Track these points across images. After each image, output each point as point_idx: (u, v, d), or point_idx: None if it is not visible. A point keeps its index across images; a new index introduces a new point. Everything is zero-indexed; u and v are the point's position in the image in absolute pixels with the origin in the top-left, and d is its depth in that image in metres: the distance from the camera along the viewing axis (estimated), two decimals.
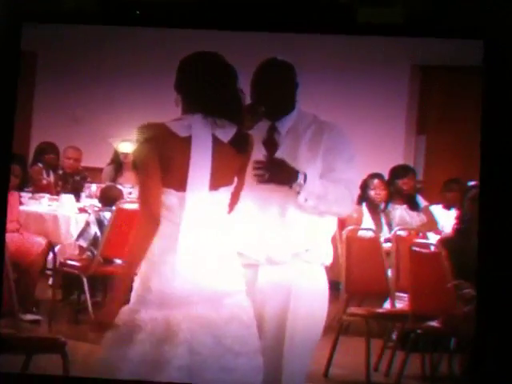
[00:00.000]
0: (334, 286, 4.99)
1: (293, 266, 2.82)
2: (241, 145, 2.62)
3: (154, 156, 2.56)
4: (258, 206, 2.78)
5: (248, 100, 2.75)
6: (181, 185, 2.56)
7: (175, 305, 2.53)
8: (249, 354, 2.58)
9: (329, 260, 2.90)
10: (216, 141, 2.60)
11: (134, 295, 2.61)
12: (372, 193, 5.54)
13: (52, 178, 6.33)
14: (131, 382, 2.54)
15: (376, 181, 5.59)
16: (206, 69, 2.61)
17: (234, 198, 2.70)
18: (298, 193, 2.77)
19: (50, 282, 5.51)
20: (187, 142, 2.57)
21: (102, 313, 2.66)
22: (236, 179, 2.66)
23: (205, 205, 2.58)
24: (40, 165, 6.27)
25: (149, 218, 2.57)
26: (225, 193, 2.63)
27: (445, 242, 4.35)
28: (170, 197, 2.58)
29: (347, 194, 2.83)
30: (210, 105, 2.59)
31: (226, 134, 2.60)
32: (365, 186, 5.56)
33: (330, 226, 2.90)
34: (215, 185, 2.59)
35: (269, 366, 2.71)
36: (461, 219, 4.41)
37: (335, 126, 2.88)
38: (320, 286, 2.87)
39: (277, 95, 2.83)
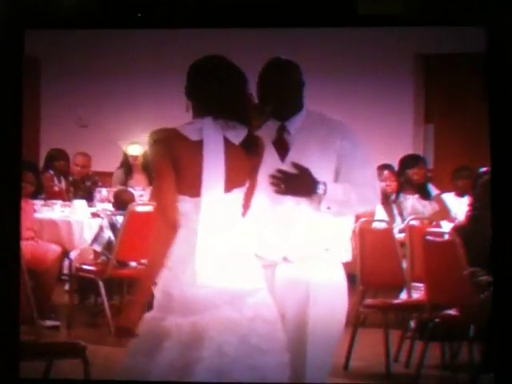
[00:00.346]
0: (349, 279, 5.01)
1: (309, 264, 2.81)
2: (252, 147, 2.62)
3: (168, 159, 2.56)
4: (271, 205, 2.77)
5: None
6: (195, 190, 2.56)
7: (199, 310, 2.54)
8: (275, 351, 2.59)
9: (348, 257, 2.89)
10: (227, 143, 2.60)
11: (156, 303, 2.62)
12: (383, 184, 5.53)
13: (63, 184, 6.35)
14: (152, 383, 2.55)
15: (386, 172, 5.59)
16: (215, 73, 2.62)
17: (247, 201, 2.69)
18: (319, 203, 2.76)
19: (67, 287, 5.54)
20: (199, 145, 2.57)
21: (122, 318, 2.67)
22: (248, 181, 2.66)
23: (220, 207, 2.58)
24: (51, 172, 6.30)
25: (165, 222, 2.59)
26: (238, 193, 2.63)
27: (458, 229, 4.34)
28: (185, 203, 2.58)
29: (371, 191, 2.82)
30: (220, 108, 2.59)
31: (237, 136, 2.60)
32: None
33: (349, 223, 2.90)
34: (229, 187, 2.59)
35: (293, 363, 2.70)
36: (473, 206, 4.40)
37: (346, 125, 2.88)
38: (339, 282, 2.86)
39: (284, 95, 2.83)
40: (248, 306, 2.57)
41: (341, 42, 6.66)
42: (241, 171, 2.62)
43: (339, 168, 2.81)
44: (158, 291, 2.62)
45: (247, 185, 2.66)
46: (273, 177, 2.75)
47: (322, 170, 2.78)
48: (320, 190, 2.75)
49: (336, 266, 2.87)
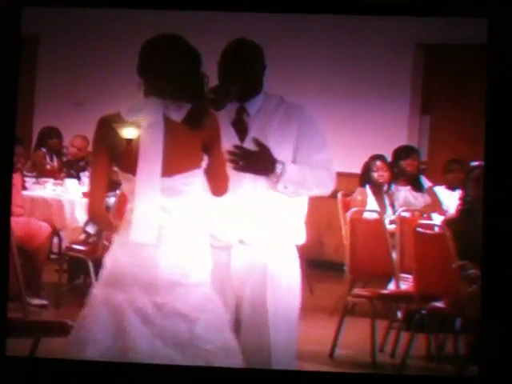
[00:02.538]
0: (338, 268, 5.03)
1: (265, 246, 2.83)
2: (195, 120, 2.55)
3: (101, 148, 2.59)
4: (230, 187, 2.75)
5: (213, 82, 2.72)
6: (134, 169, 2.56)
7: (117, 285, 2.58)
8: (182, 347, 2.56)
9: (302, 240, 2.90)
10: (169, 123, 2.56)
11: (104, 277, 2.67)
12: (375, 174, 5.53)
13: (56, 162, 6.33)
14: (138, 366, 2.57)
15: (378, 162, 5.58)
16: (167, 52, 2.58)
17: (218, 177, 2.65)
18: (277, 182, 2.77)
19: (56, 266, 5.53)
20: (137, 126, 2.56)
21: None
22: (207, 159, 2.61)
23: (157, 191, 2.55)
24: (43, 150, 6.27)
25: (90, 211, 2.69)
26: (182, 179, 2.57)
27: (449, 222, 4.35)
28: (128, 182, 2.60)
29: (326, 175, 2.84)
30: (165, 88, 2.56)
31: (180, 113, 2.56)
32: (367, 168, 5.55)
33: (302, 206, 2.91)
34: (169, 171, 2.56)
35: (256, 346, 2.74)
36: (464, 200, 4.41)
37: (305, 108, 2.88)
38: (293, 265, 2.88)
39: (246, 76, 2.81)
40: (161, 295, 2.56)
41: (340, 29, 6.63)
42: (186, 154, 2.57)
43: (296, 151, 2.82)
44: (103, 266, 2.66)
45: (205, 164, 2.61)
46: (231, 153, 2.73)
47: (279, 152, 2.79)
48: (278, 168, 2.76)
49: (291, 249, 2.88)
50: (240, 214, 2.79)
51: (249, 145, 2.79)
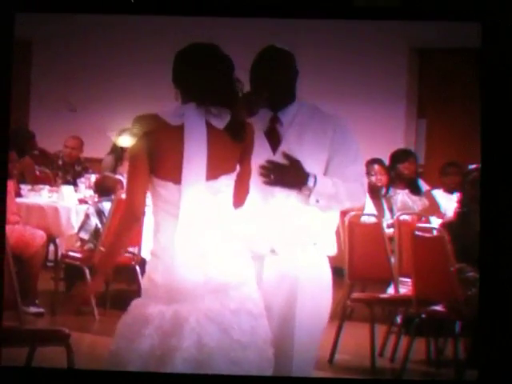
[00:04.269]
0: (337, 272, 5.01)
1: (297, 257, 2.80)
2: (237, 131, 2.57)
3: (143, 149, 2.54)
4: (262, 197, 2.75)
5: (247, 89, 2.72)
6: (177, 176, 2.53)
7: (181, 298, 2.53)
8: (257, 346, 2.57)
9: (334, 251, 2.89)
10: (211, 128, 2.56)
11: (143, 290, 2.61)
12: (373, 178, 5.52)
13: (28, 160, 6.17)
14: (135, 374, 2.54)
15: (376, 166, 5.57)
16: (200, 60, 2.60)
17: (241, 188, 2.65)
18: (308, 195, 2.75)
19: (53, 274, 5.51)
20: (180, 130, 2.54)
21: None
22: (238, 167, 2.62)
23: (203, 195, 2.54)
24: (28, 158, 6.20)
25: (128, 211, 2.58)
26: (225, 181, 2.59)
27: (447, 225, 4.34)
28: (168, 190, 2.56)
29: (359, 188, 2.82)
30: (204, 94, 2.57)
31: (221, 120, 2.57)
32: (367, 172, 5.53)
33: (335, 217, 2.89)
34: (214, 174, 2.56)
35: (279, 356, 2.70)
36: (462, 203, 4.40)
37: (339, 119, 2.85)
38: (325, 277, 2.86)
39: (278, 84, 2.79)
40: (231, 298, 2.55)
41: (335, 33, 6.63)
42: (227, 157, 2.58)
43: (330, 162, 2.80)
44: (144, 278, 2.61)
45: (237, 171, 2.62)
46: (263, 167, 2.73)
47: (312, 163, 2.76)
48: (310, 182, 2.74)
49: (322, 260, 2.86)
50: (272, 224, 2.76)
51: (281, 155, 2.76)
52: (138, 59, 6.74)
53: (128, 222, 2.58)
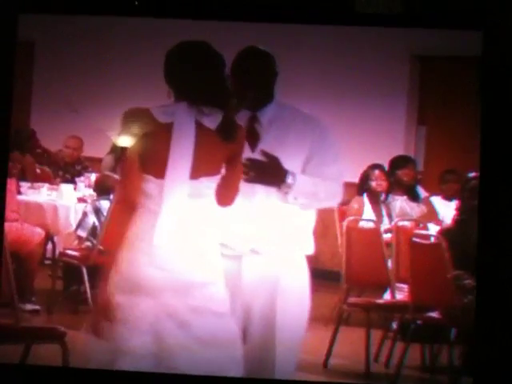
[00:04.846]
0: (334, 277, 5.01)
1: (276, 256, 2.82)
2: (228, 132, 2.58)
3: (133, 142, 2.55)
4: (242, 197, 2.75)
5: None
6: (160, 172, 2.54)
7: (143, 291, 2.53)
8: (221, 346, 2.56)
9: (311, 250, 2.90)
10: (201, 128, 2.57)
11: (110, 281, 2.61)
12: (373, 184, 5.52)
13: (29, 158, 6.20)
14: (130, 373, 2.54)
15: (377, 171, 5.57)
16: (191, 58, 2.60)
17: (231, 188, 2.66)
18: (287, 192, 2.77)
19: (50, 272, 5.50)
20: (169, 128, 2.55)
21: (99, 304, 2.66)
22: (224, 169, 2.63)
23: (184, 194, 2.55)
24: (29, 156, 6.23)
25: (122, 202, 2.61)
26: (206, 182, 2.59)
27: (445, 232, 4.34)
28: (149, 184, 2.57)
29: (337, 189, 2.85)
30: (196, 93, 2.57)
31: (213, 121, 2.57)
32: (365, 177, 5.54)
33: (310, 216, 2.90)
34: (196, 174, 2.56)
35: (262, 356, 2.73)
36: (460, 210, 4.40)
37: (319, 121, 2.87)
38: (304, 276, 2.88)
39: (259, 84, 2.81)
40: (193, 296, 2.55)
41: (336, 39, 6.64)
42: (214, 158, 2.59)
43: (308, 162, 2.82)
44: (113, 270, 2.61)
45: (223, 172, 2.63)
46: (242, 165, 2.73)
47: (291, 163, 2.78)
48: (289, 179, 2.76)
49: (302, 259, 2.88)
50: (252, 224, 2.78)
51: (260, 156, 2.78)
52: (139, 61, 6.75)
53: (122, 213, 2.61)
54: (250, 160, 2.74)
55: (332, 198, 2.87)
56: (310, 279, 2.90)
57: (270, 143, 2.80)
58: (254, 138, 2.81)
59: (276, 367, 2.78)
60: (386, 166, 5.75)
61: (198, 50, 2.60)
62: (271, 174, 2.75)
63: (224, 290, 2.63)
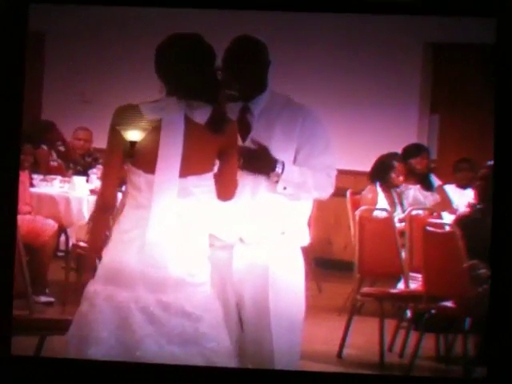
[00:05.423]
0: (347, 267, 5.00)
1: (265, 246, 2.81)
2: (218, 125, 2.56)
3: (119, 141, 2.57)
4: None
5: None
6: (149, 167, 2.55)
7: (119, 282, 2.55)
8: (186, 345, 2.55)
9: (305, 242, 2.89)
10: (190, 123, 2.56)
11: (97, 273, 2.64)
12: (393, 175, 5.45)
13: (54, 156, 6.28)
14: (147, 365, 2.55)
15: (397, 164, 5.50)
16: (180, 52, 2.58)
17: (228, 182, 2.66)
18: (276, 182, 2.76)
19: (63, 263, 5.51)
20: (158, 124, 2.55)
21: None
22: (219, 164, 2.62)
23: (174, 192, 2.55)
24: (44, 147, 6.25)
25: (99, 200, 2.64)
26: (194, 181, 2.58)
27: (461, 221, 4.30)
28: (138, 178, 2.57)
29: (326, 180, 2.83)
30: (185, 88, 2.56)
31: (203, 115, 2.56)
32: (384, 167, 5.46)
33: (306, 207, 2.89)
34: (185, 172, 2.56)
35: (258, 346, 2.73)
36: (478, 199, 4.36)
37: (311, 110, 2.85)
38: (297, 266, 2.86)
39: (251, 74, 2.78)
40: (167, 294, 2.55)
41: (349, 28, 6.60)
42: (204, 155, 2.58)
43: (298, 152, 2.80)
44: (101, 262, 2.62)
45: (219, 167, 2.62)
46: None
47: (281, 153, 2.77)
48: (278, 168, 2.75)
49: (294, 249, 2.86)
50: (241, 214, 2.77)
51: (250, 145, 2.77)
52: (149, 52, 6.74)
53: (98, 211, 2.64)
54: (240, 148, 2.73)
55: (321, 189, 2.84)
56: (306, 269, 2.88)
57: (259, 133, 2.78)
58: (244, 129, 2.79)
59: (276, 357, 2.77)
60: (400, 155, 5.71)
61: (187, 44, 2.59)
62: (261, 162, 2.74)
63: (204, 290, 2.62)
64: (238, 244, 2.80)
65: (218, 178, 2.64)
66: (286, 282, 2.81)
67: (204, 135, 2.56)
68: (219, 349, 2.57)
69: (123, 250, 2.57)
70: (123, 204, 2.65)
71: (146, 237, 2.54)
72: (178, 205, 2.56)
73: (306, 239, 2.89)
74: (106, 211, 2.62)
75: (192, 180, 2.57)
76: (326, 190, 2.86)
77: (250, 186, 2.77)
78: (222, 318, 2.63)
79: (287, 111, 2.82)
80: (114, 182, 2.61)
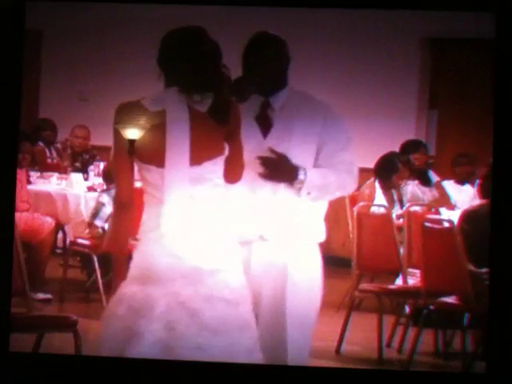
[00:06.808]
0: (345, 263, 4.99)
1: (285, 243, 2.81)
2: (221, 113, 2.56)
3: (123, 139, 2.57)
4: (250, 184, 2.75)
5: (236, 74, 2.72)
6: (160, 161, 2.54)
7: (154, 280, 2.53)
8: (230, 333, 2.54)
9: (322, 238, 2.89)
10: (193, 112, 2.56)
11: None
12: (395, 178, 5.38)
13: (54, 154, 6.30)
14: (144, 361, 2.54)
15: (402, 167, 5.44)
16: (186, 45, 2.58)
17: (235, 164, 2.65)
18: (300, 188, 2.76)
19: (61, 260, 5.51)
20: (162, 116, 2.54)
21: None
22: (227, 147, 2.61)
23: (187, 181, 2.54)
24: (41, 144, 6.25)
25: (117, 201, 2.62)
26: (209, 167, 2.57)
27: (468, 214, 4.27)
28: (151, 173, 2.57)
29: (348, 178, 2.84)
30: (187, 80, 2.56)
31: (204, 105, 2.56)
32: (389, 168, 5.40)
33: (323, 204, 2.89)
34: (197, 160, 2.55)
35: (273, 343, 2.72)
36: (480, 197, 4.35)
37: (330, 106, 2.86)
38: (315, 264, 2.87)
39: (271, 69, 2.80)
40: (205, 284, 2.54)
41: (347, 23, 6.59)
42: (210, 142, 2.57)
43: (320, 149, 2.81)
44: (133, 264, 2.62)
45: (225, 153, 2.61)
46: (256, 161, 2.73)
47: (302, 149, 2.78)
48: (301, 175, 2.76)
49: (312, 247, 2.87)
50: (261, 211, 2.78)
51: (272, 140, 2.77)
52: (149, 49, 6.73)
53: (117, 210, 2.63)
54: (261, 158, 2.74)
55: (344, 189, 2.87)
56: (322, 266, 2.89)
57: (280, 130, 2.79)
58: (265, 124, 2.80)
59: (289, 354, 2.78)
60: (397, 151, 5.70)
61: (190, 37, 2.59)
62: (283, 172, 2.75)
63: (238, 276, 2.62)
64: (257, 241, 2.79)
65: (225, 161, 2.63)
66: (304, 279, 2.81)
67: (208, 122, 2.56)
68: (255, 336, 2.59)
69: (153, 249, 2.55)
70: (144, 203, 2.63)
71: (161, 229, 2.52)
72: (194, 192, 2.55)
73: (322, 235, 2.89)
74: (123, 209, 2.60)
75: (207, 166, 2.56)
76: (349, 188, 2.89)
77: (270, 184, 2.77)
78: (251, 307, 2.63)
79: (307, 106, 2.82)
80: (127, 180, 2.59)
